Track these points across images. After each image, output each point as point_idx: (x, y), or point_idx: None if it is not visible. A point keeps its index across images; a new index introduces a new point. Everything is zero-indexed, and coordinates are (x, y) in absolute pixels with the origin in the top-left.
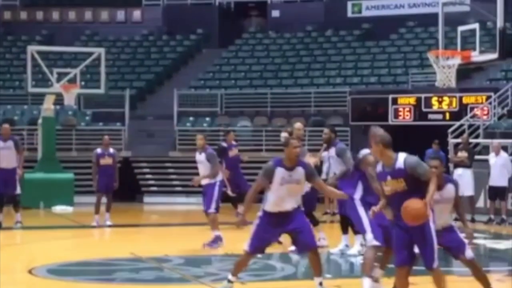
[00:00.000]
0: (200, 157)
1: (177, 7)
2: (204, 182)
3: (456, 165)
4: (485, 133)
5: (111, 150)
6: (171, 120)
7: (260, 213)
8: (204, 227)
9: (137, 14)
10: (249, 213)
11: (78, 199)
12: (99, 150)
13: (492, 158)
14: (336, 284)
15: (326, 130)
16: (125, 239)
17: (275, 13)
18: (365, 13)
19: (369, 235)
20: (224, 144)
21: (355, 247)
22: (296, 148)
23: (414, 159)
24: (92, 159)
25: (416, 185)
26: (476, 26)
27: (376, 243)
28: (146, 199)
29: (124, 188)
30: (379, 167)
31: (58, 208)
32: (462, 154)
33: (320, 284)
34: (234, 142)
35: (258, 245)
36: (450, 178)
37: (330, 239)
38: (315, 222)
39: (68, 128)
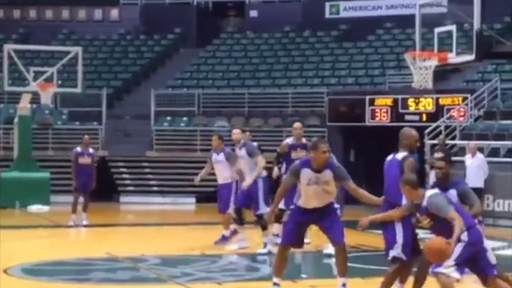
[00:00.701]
0: (218, 157)
1: (155, 6)
2: (220, 181)
3: (432, 166)
4: (462, 134)
5: (91, 149)
6: (148, 120)
7: (292, 206)
8: (180, 227)
9: (114, 13)
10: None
11: (54, 199)
12: (78, 149)
13: (468, 159)
14: (311, 284)
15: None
16: (101, 239)
17: (253, 13)
18: (343, 14)
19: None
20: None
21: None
22: (325, 153)
23: (438, 200)
24: (71, 158)
25: (441, 220)
26: (453, 27)
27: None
28: (123, 198)
29: (100, 188)
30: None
31: (34, 208)
32: (438, 155)
33: (343, 285)
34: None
35: (290, 237)
36: (456, 182)
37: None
38: (241, 222)
39: (45, 127)
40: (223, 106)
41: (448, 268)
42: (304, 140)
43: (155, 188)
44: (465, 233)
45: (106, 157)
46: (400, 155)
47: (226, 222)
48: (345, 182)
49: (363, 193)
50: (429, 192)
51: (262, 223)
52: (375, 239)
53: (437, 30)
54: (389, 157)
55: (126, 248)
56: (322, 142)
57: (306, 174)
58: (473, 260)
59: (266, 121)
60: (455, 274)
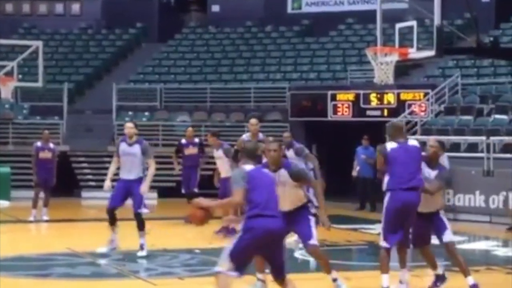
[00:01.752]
0: (218, 153)
1: (117, 1)
2: (223, 176)
3: None
4: (423, 129)
5: (51, 144)
6: (110, 115)
7: None
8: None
9: (76, 7)
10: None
11: (14, 194)
12: (39, 144)
13: None
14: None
15: (286, 134)
16: (62, 234)
17: (215, 8)
18: (305, 9)
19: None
20: (183, 141)
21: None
22: (271, 153)
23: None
24: (32, 153)
25: None
26: (414, 23)
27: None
28: (84, 193)
29: (61, 183)
30: None
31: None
32: None
33: (334, 280)
34: (196, 140)
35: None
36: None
37: None
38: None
39: (5, 121)
40: (185, 101)
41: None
42: (260, 136)
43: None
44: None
45: (67, 152)
46: (414, 141)
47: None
48: (303, 181)
49: (318, 195)
50: None
51: None
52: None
53: (398, 25)
54: (395, 145)
55: (87, 244)
56: (271, 141)
57: None
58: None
59: (228, 116)
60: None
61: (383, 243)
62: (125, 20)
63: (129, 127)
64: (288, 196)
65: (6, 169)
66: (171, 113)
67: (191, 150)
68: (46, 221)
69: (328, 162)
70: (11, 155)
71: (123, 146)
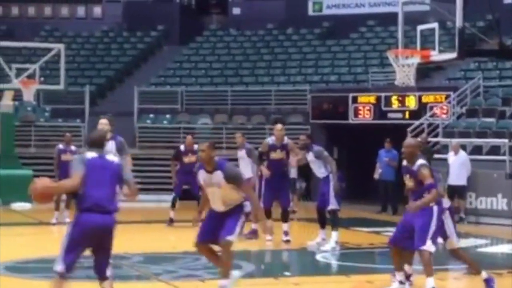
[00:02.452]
0: (241, 153)
1: (138, 4)
2: (246, 177)
3: None
4: (444, 132)
5: (73, 147)
6: (131, 117)
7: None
8: (162, 225)
9: (97, 10)
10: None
11: None
12: (61, 146)
13: (451, 157)
14: (294, 282)
15: (302, 136)
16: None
17: (236, 11)
18: (326, 11)
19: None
20: (182, 148)
21: (331, 243)
22: (199, 152)
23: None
24: (54, 155)
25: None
26: (435, 25)
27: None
28: None
29: None
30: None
31: (17, 205)
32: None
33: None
34: (196, 148)
35: (202, 235)
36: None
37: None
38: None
39: (27, 124)
40: (206, 103)
41: None
42: (285, 141)
43: (138, 186)
44: None
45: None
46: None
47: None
48: (236, 184)
49: (255, 200)
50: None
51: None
52: (359, 237)
53: (420, 28)
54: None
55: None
56: (203, 142)
57: (201, 175)
58: None
59: (249, 119)
60: None
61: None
62: (146, 23)
63: (103, 123)
64: (222, 197)
65: (28, 172)
66: (192, 115)
67: (190, 158)
68: (68, 223)
69: (349, 165)
70: (33, 157)
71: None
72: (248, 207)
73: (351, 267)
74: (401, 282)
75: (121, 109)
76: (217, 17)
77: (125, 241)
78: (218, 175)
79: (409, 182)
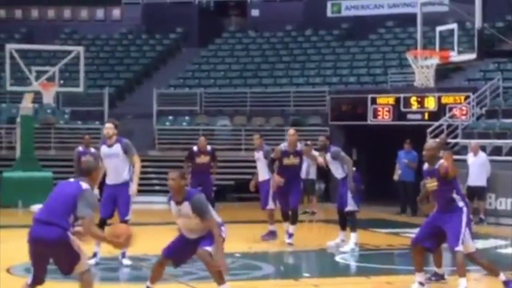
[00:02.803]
0: (258, 155)
1: (157, 6)
2: (260, 179)
3: None
4: (464, 133)
5: (92, 149)
6: (150, 119)
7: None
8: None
9: (116, 12)
10: None
11: None
12: (80, 149)
13: (470, 158)
14: (314, 283)
15: (321, 137)
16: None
17: (255, 12)
18: (345, 13)
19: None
20: (195, 149)
21: (350, 244)
22: (169, 181)
23: None
24: (73, 157)
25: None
26: (454, 26)
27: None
28: None
29: (102, 187)
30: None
31: (37, 207)
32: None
33: None
34: (208, 149)
35: (172, 253)
36: None
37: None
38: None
39: (47, 126)
40: (225, 105)
41: None
42: (299, 147)
43: (158, 188)
44: None
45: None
46: None
47: (270, 217)
48: (201, 217)
49: (215, 236)
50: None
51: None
52: (378, 238)
53: (439, 28)
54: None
55: (129, 248)
56: (172, 170)
57: (172, 207)
58: None
59: (267, 120)
60: None
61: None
62: (165, 25)
63: (108, 127)
64: (195, 226)
65: (48, 174)
66: (211, 117)
67: (203, 159)
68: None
69: (368, 166)
70: (53, 159)
71: (103, 149)
72: (224, 232)
73: (370, 268)
74: (421, 283)
75: (140, 111)
76: (236, 19)
77: (144, 242)
78: (186, 206)
79: (431, 184)
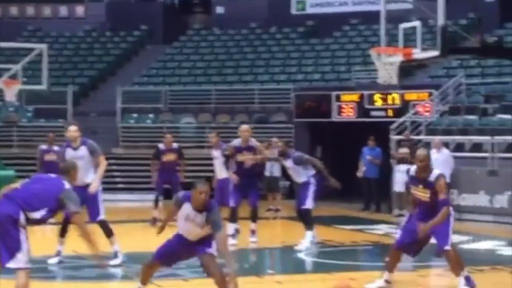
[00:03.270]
0: (216, 153)
1: (121, 3)
2: (220, 177)
3: (399, 162)
4: (427, 129)
5: (56, 147)
6: (114, 117)
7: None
8: (146, 224)
9: (80, 10)
10: None
11: None
12: (43, 147)
13: (433, 154)
14: (277, 280)
15: (280, 143)
16: (68, 237)
17: (220, 10)
18: (309, 10)
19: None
20: (160, 146)
21: (305, 242)
22: (201, 194)
23: None
24: (37, 155)
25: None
26: (417, 23)
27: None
28: None
29: None
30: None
31: None
32: (404, 151)
33: None
34: (175, 146)
35: (165, 257)
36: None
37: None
38: None
39: (10, 124)
40: (189, 102)
41: None
42: (252, 142)
43: (122, 185)
44: None
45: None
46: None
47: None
48: (216, 229)
49: (223, 247)
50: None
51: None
52: (342, 235)
53: (402, 26)
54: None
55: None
56: (201, 182)
57: (186, 210)
58: None
59: (232, 118)
60: None
61: None
62: (130, 23)
63: (72, 130)
64: (200, 233)
65: (10, 172)
66: (176, 115)
67: (169, 157)
68: (52, 223)
69: (332, 163)
70: (15, 157)
71: (69, 152)
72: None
73: (334, 265)
74: (387, 282)
75: (104, 109)
76: (201, 17)
77: (107, 240)
78: (204, 215)
79: (422, 193)
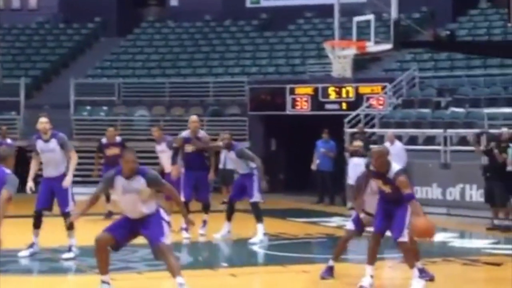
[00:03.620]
0: (161, 147)
1: None
2: (168, 170)
3: (352, 154)
4: (381, 122)
5: (9, 140)
6: (68, 109)
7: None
8: (101, 217)
9: (32, 1)
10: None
11: None
12: None
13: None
14: (231, 273)
15: (226, 135)
16: (20, 231)
17: (174, 2)
18: (264, 3)
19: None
20: (103, 140)
21: (259, 235)
22: (129, 163)
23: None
24: None
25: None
26: (371, 17)
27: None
28: None
29: (19, 178)
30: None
31: None
32: (357, 144)
33: (180, 285)
34: (118, 140)
35: (114, 231)
36: None
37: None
38: None
39: None
40: (143, 95)
41: None
42: (201, 134)
43: (76, 178)
44: None
45: (24, 147)
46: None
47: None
48: (159, 186)
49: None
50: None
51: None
52: (296, 228)
53: (356, 19)
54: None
55: (45, 239)
56: (128, 151)
57: (119, 183)
58: None
59: (187, 110)
60: None
61: None
62: (83, 15)
63: (43, 122)
64: (139, 203)
65: None
66: (130, 107)
67: (113, 151)
68: (5, 216)
69: (287, 156)
70: None
71: (40, 144)
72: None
73: (287, 257)
74: (372, 277)
75: (57, 101)
76: (155, 9)
77: (62, 234)
78: (138, 180)
79: (384, 187)
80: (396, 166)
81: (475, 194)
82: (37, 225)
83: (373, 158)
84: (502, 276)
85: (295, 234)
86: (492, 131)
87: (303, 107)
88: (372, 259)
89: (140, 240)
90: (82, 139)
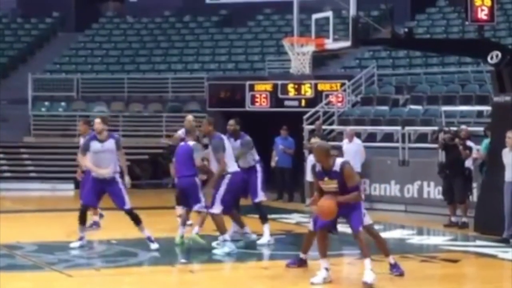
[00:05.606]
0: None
1: None
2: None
3: (311, 151)
4: (339, 120)
5: None
6: (26, 105)
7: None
8: (58, 213)
9: None
10: None
11: None
12: None
13: (345, 144)
14: (190, 269)
15: (232, 121)
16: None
17: None
18: None
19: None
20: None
21: (265, 236)
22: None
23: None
24: None
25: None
26: (330, 14)
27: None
28: (0, 185)
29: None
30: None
31: None
32: (315, 140)
33: None
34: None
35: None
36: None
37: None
38: None
39: None
40: (102, 91)
41: None
42: (198, 133)
43: (33, 174)
44: None
45: None
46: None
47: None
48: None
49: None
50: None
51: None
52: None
53: (315, 16)
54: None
55: (2, 236)
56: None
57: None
58: None
59: (146, 106)
60: None
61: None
62: (41, 9)
63: (96, 122)
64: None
65: None
66: (88, 103)
67: None
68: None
69: None
70: None
71: (95, 145)
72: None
73: (246, 253)
74: (326, 269)
75: (15, 97)
76: (114, 4)
77: (19, 230)
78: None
79: (330, 185)
80: (340, 159)
81: (433, 191)
82: (83, 221)
83: (315, 155)
84: (459, 272)
85: (254, 230)
86: (448, 128)
87: (262, 103)
88: (323, 253)
89: (98, 236)
90: (40, 135)
